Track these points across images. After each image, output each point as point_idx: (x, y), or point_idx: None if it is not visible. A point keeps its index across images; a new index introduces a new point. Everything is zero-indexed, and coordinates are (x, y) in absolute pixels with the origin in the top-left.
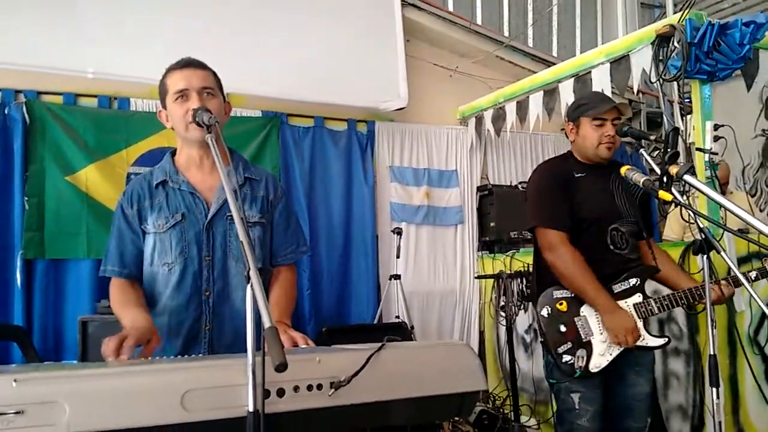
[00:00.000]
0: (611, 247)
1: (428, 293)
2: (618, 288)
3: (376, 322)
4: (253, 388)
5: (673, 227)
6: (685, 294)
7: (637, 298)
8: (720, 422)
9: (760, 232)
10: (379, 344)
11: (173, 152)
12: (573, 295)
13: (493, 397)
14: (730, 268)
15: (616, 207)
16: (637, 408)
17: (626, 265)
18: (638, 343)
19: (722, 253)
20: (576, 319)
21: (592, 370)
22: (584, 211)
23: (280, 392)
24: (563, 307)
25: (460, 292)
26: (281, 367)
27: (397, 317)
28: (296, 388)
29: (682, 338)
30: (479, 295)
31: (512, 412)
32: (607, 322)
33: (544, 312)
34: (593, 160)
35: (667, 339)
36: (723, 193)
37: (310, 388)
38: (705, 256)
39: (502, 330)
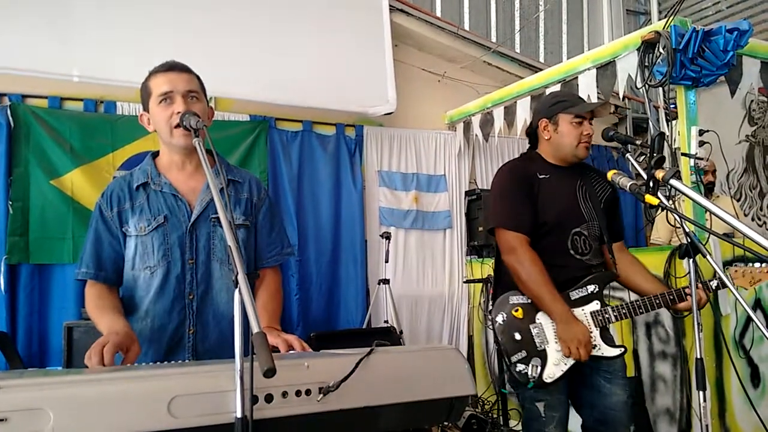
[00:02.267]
0: (572, 252)
1: (417, 298)
2: (576, 295)
3: (364, 326)
4: (241, 394)
5: (660, 231)
6: (643, 302)
7: (595, 305)
8: (707, 425)
9: (745, 236)
10: (368, 349)
11: (154, 154)
12: (530, 301)
13: (482, 401)
14: (715, 271)
15: (580, 211)
16: (616, 418)
17: (587, 271)
18: (593, 352)
19: (708, 256)
20: (531, 326)
21: (546, 380)
22: (546, 214)
23: (269, 398)
24: (519, 313)
25: (449, 297)
26: (270, 373)
27: (386, 322)
28: (285, 394)
29: (669, 342)
30: (468, 299)
31: (501, 417)
32: (560, 332)
33: (500, 318)
34: (566, 160)
35: (623, 349)
36: (713, 181)
37: (298, 393)
38: (691, 260)
39: (491, 334)
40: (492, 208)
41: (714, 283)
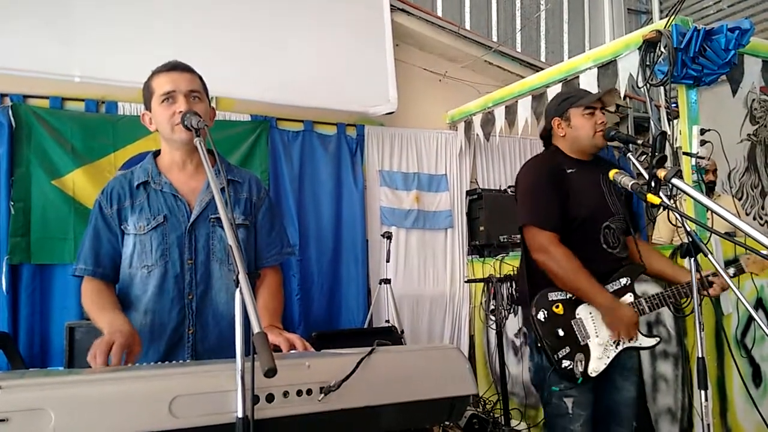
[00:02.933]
0: (603, 245)
1: (418, 297)
2: (610, 288)
3: (366, 326)
4: (243, 394)
5: (662, 231)
6: (674, 292)
7: (629, 297)
8: (708, 424)
9: (747, 235)
10: (369, 349)
11: (155, 153)
12: (569, 296)
13: (483, 401)
14: (716, 271)
15: (607, 204)
16: (624, 413)
17: (617, 264)
18: (632, 343)
19: (709, 256)
20: (573, 321)
21: (591, 375)
22: (576, 209)
23: (270, 398)
24: (559, 309)
25: (450, 296)
26: (271, 373)
27: (387, 321)
28: (286, 394)
29: (671, 341)
30: (469, 299)
31: (502, 416)
32: (608, 317)
33: (541, 316)
34: (587, 152)
35: (658, 339)
36: (714, 180)
37: (299, 393)
38: (692, 259)
39: (492, 334)
40: (521, 205)
41: (732, 270)
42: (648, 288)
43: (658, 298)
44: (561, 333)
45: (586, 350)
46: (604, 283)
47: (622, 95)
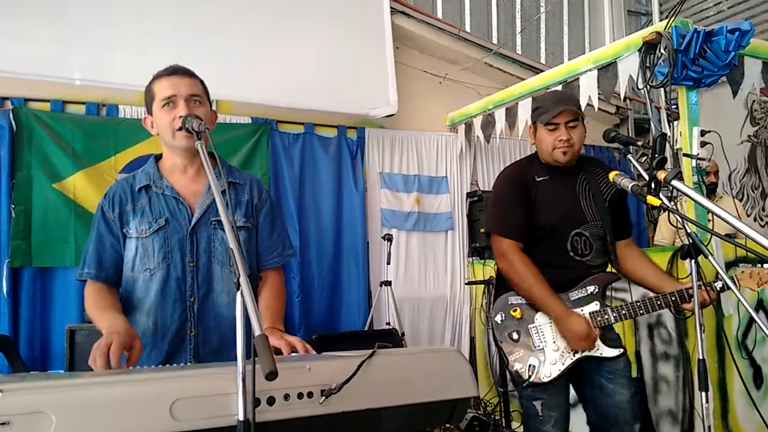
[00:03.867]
0: (571, 253)
1: (419, 300)
2: (575, 295)
3: (366, 328)
4: (243, 397)
5: (664, 232)
6: (644, 303)
7: (594, 306)
8: (709, 426)
9: (748, 237)
10: (370, 351)
11: (157, 157)
12: (528, 302)
13: (484, 403)
14: (717, 272)
15: (581, 211)
16: (620, 416)
17: (588, 271)
18: (592, 353)
19: (710, 257)
20: (530, 326)
21: (543, 379)
22: (542, 218)
23: (271, 401)
24: (517, 313)
25: (451, 298)
26: (272, 375)
27: (388, 324)
28: (287, 397)
29: (671, 343)
30: (470, 301)
31: (503, 419)
32: (561, 328)
33: (498, 318)
34: (552, 164)
35: (622, 350)
36: (716, 183)
37: (300, 396)
38: (693, 261)
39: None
40: (489, 213)
41: (719, 285)
42: (627, 297)
43: (626, 309)
44: (515, 336)
45: (540, 355)
46: (570, 290)
47: (622, 97)
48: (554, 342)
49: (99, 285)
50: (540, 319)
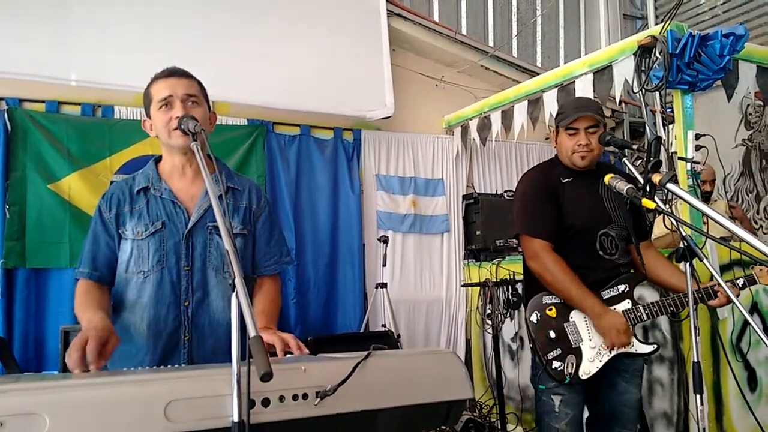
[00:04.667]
0: (600, 252)
1: (415, 301)
2: (607, 294)
3: (362, 330)
4: (238, 398)
5: (659, 233)
6: (674, 300)
7: (626, 304)
8: (704, 429)
9: (742, 240)
10: (366, 353)
11: (157, 159)
12: (562, 301)
13: (479, 405)
14: (712, 275)
15: (605, 212)
16: (626, 414)
17: (616, 270)
18: (627, 349)
19: (704, 260)
20: (565, 324)
21: (582, 377)
22: (571, 218)
23: (266, 402)
24: (552, 312)
25: (447, 301)
26: (266, 377)
27: (384, 326)
28: (282, 398)
29: (666, 345)
30: (465, 303)
31: (499, 421)
32: (598, 324)
33: (534, 317)
34: (570, 168)
35: (656, 346)
36: (710, 191)
37: (295, 397)
38: (687, 264)
39: (489, 338)
40: (516, 215)
41: (741, 281)
42: (650, 295)
43: (657, 306)
44: (552, 335)
45: (577, 353)
46: (601, 289)
47: (617, 100)
48: (590, 339)
49: (90, 284)
50: (575, 316)
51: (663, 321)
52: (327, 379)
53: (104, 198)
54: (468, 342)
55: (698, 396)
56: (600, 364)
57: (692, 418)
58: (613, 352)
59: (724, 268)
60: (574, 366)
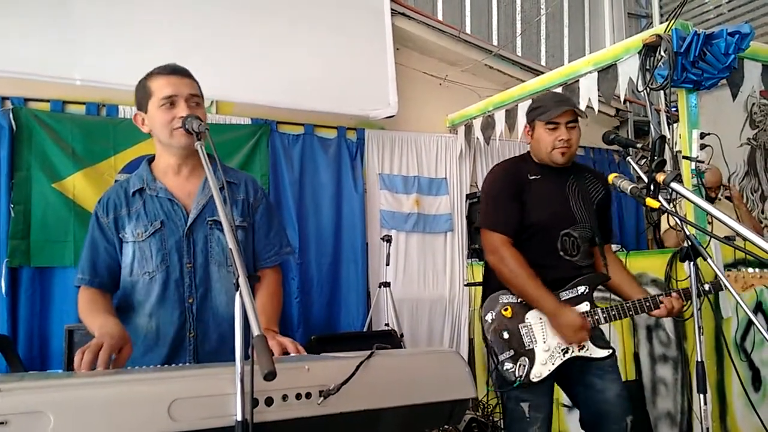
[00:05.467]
0: (561, 253)
1: (418, 301)
2: (566, 295)
3: (365, 329)
4: (242, 397)
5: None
6: (634, 305)
7: (585, 306)
8: (708, 428)
9: (746, 239)
10: (369, 352)
11: (150, 159)
12: (519, 301)
13: (482, 404)
14: (716, 274)
15: (570, 212)
16: (612, 412)
17: (577, 272)
18: (581, 353)
19: (708, 259)
20: (520, 326)
21: (533, 379)
22: (534, 216)
23: (269, 401)
24: (508, 313)
25: (450, 300)
26: (270, 376)
27: (387, 325)
28: (285, 397)
29: (670, 345)
30: (469, 302)
31: (502, 420)
32: (554, 322)
33: (489, 317)
34: (546, 164)
35: (611, 350)
36: (714, 197)
37: (299, 396)
38: (692, 263)
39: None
40: (480, 209)
41: (707, 287)
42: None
43: (616, 309)
44: (506, 335)
45: (530, 355)
46: (560, 289)
47: (622, 99)
48: (544, 341)
49: (92, 290)
50: (531, 318)
51: (667, 321)
52: (330, 379)
53: (100, 203)
54: (471, 341)
55: (702, 395)
56: (552, 367)
57: (696, 417)
58: (567, 355)
59: (728, 267)
60: (526, 368)
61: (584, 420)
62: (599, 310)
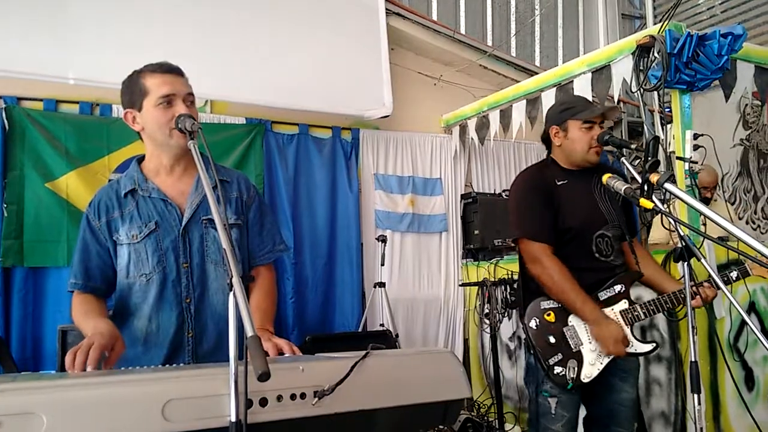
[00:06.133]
0: (597, 255)
1: (413, 301)
2: (604, 295)
3: (360, 330)
4: (236, 398)
5: (659, 233)
6: (670, 298)
7: (623, 304)
8: (701, 428)
9: (739, 240)
10: (364, 352)
11: (140, 159)
12: (560, 305)
13: (477, 404)
14: (709, 275)
15: (601, 213)
16: (623, 413)
17: (612, 272)
18: (628, 349)
19: (702, 260)
20: (565, 329)
21: (584, 380)
22: (568, 221)
23: (263, 402)
24: (551, 317)
25: (445, 300)
26: (264, 377)
27: (382, 325)
28: (279, 398)
29: (664, 345)
30: (463, 302)
31: (497, 420)
32: (595, 332)
33: (533, 324)
34: (579, 165)
35: (655, 344)
36: (710, 198)
37: (293, 397)
38: (685, 264)
39: (487, 337)
40: (513, 219)
41: (734, 273)
42: (644, 293)
43: (654, 304)
44: (552, 340)
45: (578, 356)
46: (597, 291)
47: (615, 100)
48: (590, 342)
49: (85, 295)
50: (573, 320)
51: (661, 321)
52: (325, 379)
53: (91, 206)
54: (466, 341)
55: (695, 395)
56: (601, 367)
57: (690, 417)
58: (615, 355)
59: (721, 268)
60: (576, 370)
61: (592, 417)
62: (638, 306)
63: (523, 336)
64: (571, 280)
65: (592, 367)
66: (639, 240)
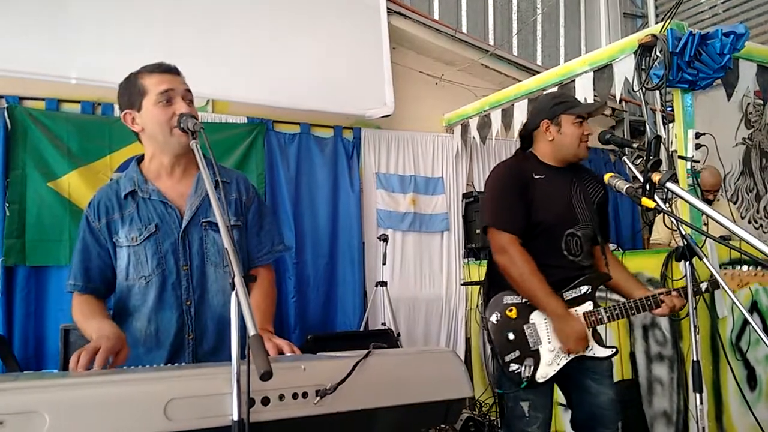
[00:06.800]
0: (565, 252)
1: (414, 300)
2: (569, 295)
3: (362, 329)
4: (238, 397)
5: (661, 232)
6: (636, 304)
7: (588, 306)
8: (704, 428)
9: (742, 239)
10: (365, 352)
11: (139, 159)
12: (524, 301)
13: (479, 404)
14: (711, 274)
15: (573, 211)
16: (605, 415)
17: (579, 271)
18: (586, 353)
19: (704, 259)
20: (525, 326)
21: (539, 380)
22: (539, 215)
23: (265, 401)
24: (512, 313)
25: (447, 299)
26: (266, 376)
27: (384, 324)
28: (281, 397)
29: (666, 344)
30: (465, 301)
31: (498, 419)
32: (557, 327)
33: (493, 318)
34: (568, 160)
35: (614, 349)
36: (711, 200)
37: (295, 396)
38: (687, 263)
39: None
40: (485, 208)
41: (704, 285)
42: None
43: (619, 309)
44: (511, 336)
45: (536, 355)
46: (563, 289)
47: (617, 99)
48: (549, 342)
49: (85, 296)
50: (535, 318)
51: (663, 320)
52: (327, 378)
53: (90, 207)
54: (468, 340)
55: (698, 395)
56: (557, 368)
57: (692, 416)
58: (571, 356)
59: (724, 267)
60: (532, 369)
61: (576, 421)
62: (602, 310)
63: (486, 334)
64: (537, 273)
65: (548, 367)
66: (639, 240)
